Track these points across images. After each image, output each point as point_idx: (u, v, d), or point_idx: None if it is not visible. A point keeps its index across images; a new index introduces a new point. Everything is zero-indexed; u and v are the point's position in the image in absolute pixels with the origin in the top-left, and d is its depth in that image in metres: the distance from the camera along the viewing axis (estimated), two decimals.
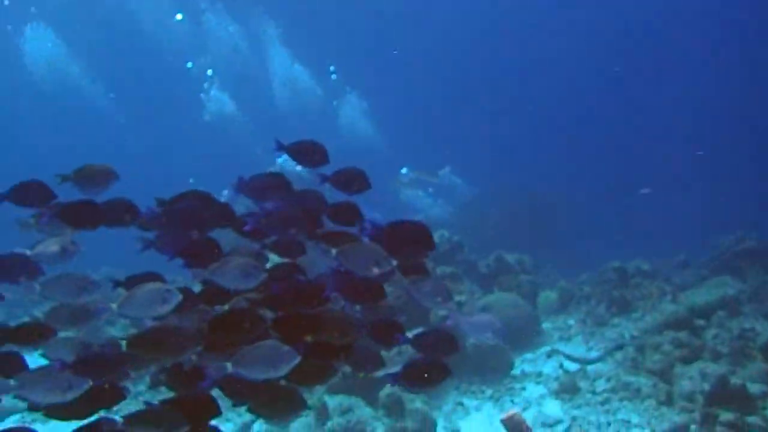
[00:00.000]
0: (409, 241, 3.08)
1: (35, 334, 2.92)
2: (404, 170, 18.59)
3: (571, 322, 9.42)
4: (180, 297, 2.78)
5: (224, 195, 15.91)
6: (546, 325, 9.34)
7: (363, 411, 6.14)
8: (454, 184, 19.52)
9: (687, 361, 6.66)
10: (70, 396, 2.74)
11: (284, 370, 2.73)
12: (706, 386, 5.92)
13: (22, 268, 2.90)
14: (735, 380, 5.97)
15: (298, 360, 2.73)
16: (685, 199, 18.81)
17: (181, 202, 3.03)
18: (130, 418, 2.73)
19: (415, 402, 6.05)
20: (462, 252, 10.87)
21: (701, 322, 7.78)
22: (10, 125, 29.26)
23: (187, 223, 2.99)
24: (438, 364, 3.03)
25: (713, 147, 21.65)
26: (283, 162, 16.55)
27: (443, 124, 27.22)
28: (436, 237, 10.37)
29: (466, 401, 7.15)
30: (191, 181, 18.96)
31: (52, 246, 3.02)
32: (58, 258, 3.01)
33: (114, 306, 2.84)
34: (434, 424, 6.15)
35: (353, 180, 3.28)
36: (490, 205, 17.68)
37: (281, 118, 21.74)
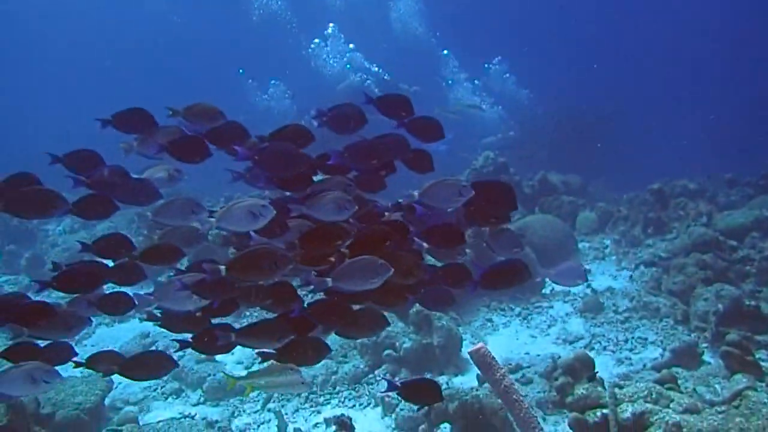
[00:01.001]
0: (492, 200, 3.31)
1: (168, 254, 3.30)
2: (445, 52, 18.75)
3: (607, 242, 9.66)
4: (274, 212, 3.04)
5: (272, 85, 16.37)
6: (583, 245, 9.61)
7: (394, 326, 6.61)
8: (504, 79, 19.56)
9: (709, 282, 6.86)
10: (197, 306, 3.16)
11: (380, 281, 2.96)
12: (720, 307, 6.16)
13: (144, 192, 3.24)
14: (750, 301, 6.20)
15: (391, 272, 2.96)
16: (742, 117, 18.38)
17: (275, 143, 3.26)
18: (241, 330, 3.13)
19: (442, 320, 6.48)
20: (507, 172, 11.07)
21: (733, 242, 7.94)
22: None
23: (278, 167, 3.23)
24: (514, 267, 3.33)
25: None
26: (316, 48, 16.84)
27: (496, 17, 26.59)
28: (481, 159, 10.70)
29: (495, 318, 7.59)
30: (241, 71, 19.63)
31: (159, 172, 3.38)
32: (165, 183, 3.36)
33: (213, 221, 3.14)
34: (460, 340, 6.59)
35: (429, 128, 3.48)
36: (545, 122, 17.59)
37: (333, 15, 21.63)
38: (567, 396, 4.60)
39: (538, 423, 3.21)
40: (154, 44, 32.84)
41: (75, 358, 3.21)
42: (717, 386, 5.28)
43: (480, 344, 3.29)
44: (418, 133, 3.48)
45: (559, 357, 6.31)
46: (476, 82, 19.18)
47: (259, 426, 5.90)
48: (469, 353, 3.30)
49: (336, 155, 3.36)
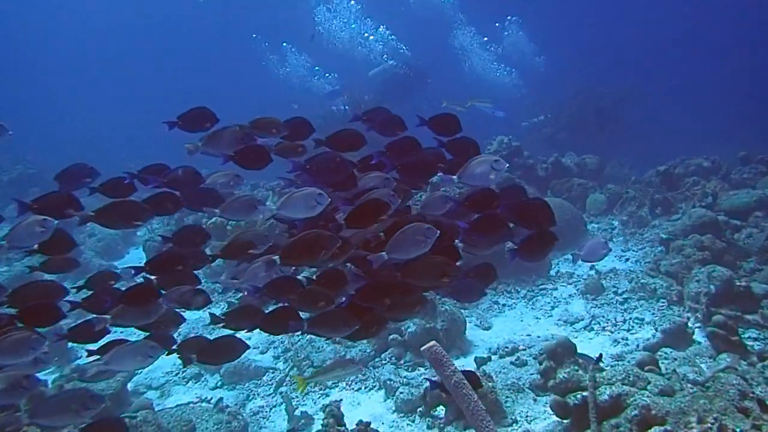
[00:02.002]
0: (534, 219, 3.65)
1: (244, 248, 3.73)
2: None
3: (615, 223, 9.83)
4: (329, 200, 3.40)
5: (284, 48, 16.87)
6: (591, 226, 9.80)
7: None
8: (518, 39, 19.73)
9: (707, 263, 7.04)
10: None
11: (430, 244, 3.28)
12: (712, 288, 6.36)
13: (211, 197, 3.70)
14: (740, 282, 6.38)
15: (438, 235, 3.28)
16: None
17: (322, 153, 3.67)
18: (312, 320, 3.45)
19: (446, 304, 6.77)
20: (521, 156, 11.28)
21: (737, 222, 8.08)
22: None
23: (326, 174, 3.63)
24: (546, 234, 3.67)
25: None
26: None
27: None
28: (495, 143, 10.92)
29: (501, 300, 7.86)
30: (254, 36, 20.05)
31: (221, 178, 3.83)
32: (226, 187, 3.81)
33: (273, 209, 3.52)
34: (463, 324, 6.88)
35: (467, 148, 3.84)
36: (567, 102, 17.63)
37: None
38: (549, 380, 4.89)
39: (486, 415, 3.48)
40: (176, 24, 33.75)
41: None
42: (703, 366, 5.53)
43: (432, 342, 3.58)
44: (456, 152, 3.87)
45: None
46: (490, 46, 19.34)
47: (271, 409, 6.28)
48: (421, 350, 3.61)
49: (378, 155, 3.80)
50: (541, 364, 5.08)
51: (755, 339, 6.00)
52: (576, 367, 4.88)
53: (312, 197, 3.34)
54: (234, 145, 3.62)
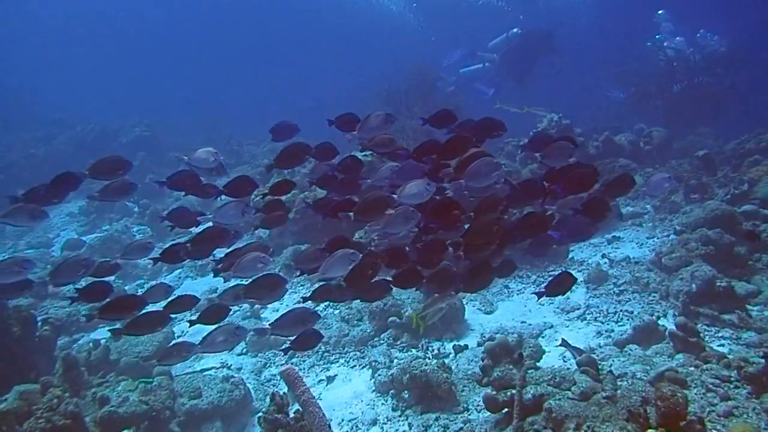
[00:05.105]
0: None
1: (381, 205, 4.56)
2: None
3: (648, 207, 9.83)
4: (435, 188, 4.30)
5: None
6: (626, 210, 9.85)
7: (401, 294, 7.50)
8: None
9: (710, 258, 7.09)
10: None
11: (497, 177, 4.15)
12: (693, 287, 6.50)
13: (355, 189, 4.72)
14: (721, 282, 6.47)
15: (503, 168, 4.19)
16: None
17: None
18: (468, 281, 4.31)
19: None
20: (572, 133, 11.36)
21: (767, 212, 7.99)
22: None
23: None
24: (603, 201, 4.24)
25: None
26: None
27: None
28: (545, 121, 11.12)
29: (512, 285, 8.23)
30: None
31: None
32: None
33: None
34: (460, 308, 7.33)
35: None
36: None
37: None
38: (485, 377, 5.34)
39: (330, 428, 4.04)
40: None
41: None
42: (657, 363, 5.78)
43: (288, 366, 4.17)
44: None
45: (551, 326, 7.00)
46: None
47: (281, 379, 7.06)
48: (279, 373, 4.21)
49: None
50: (483, 361, 5.53)
51: (725, 338, 6.14)
52: (510, 366, 5.29)
53: (424, 186, 4.22)
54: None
